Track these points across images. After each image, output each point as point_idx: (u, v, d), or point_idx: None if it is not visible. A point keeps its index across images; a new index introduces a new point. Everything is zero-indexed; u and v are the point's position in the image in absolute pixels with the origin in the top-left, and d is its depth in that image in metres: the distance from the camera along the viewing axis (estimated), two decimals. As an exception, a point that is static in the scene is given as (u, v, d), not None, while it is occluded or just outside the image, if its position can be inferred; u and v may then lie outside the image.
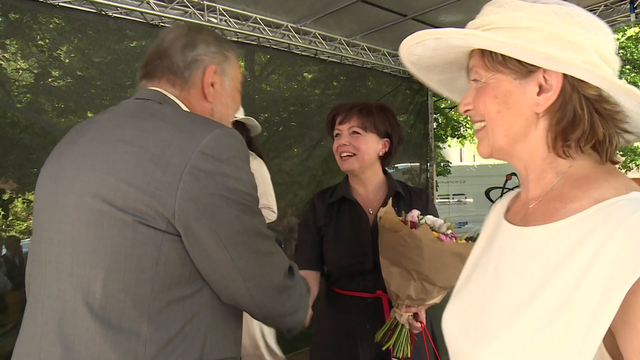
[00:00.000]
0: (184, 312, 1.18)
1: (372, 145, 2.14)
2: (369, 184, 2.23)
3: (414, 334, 1.99)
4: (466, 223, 14.51)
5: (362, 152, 2.12)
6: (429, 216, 1.91)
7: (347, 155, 2.14)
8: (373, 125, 2.12)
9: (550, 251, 0.90)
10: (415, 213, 1.91)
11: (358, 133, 2.12)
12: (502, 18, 0.98)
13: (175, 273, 1.16)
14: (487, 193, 15.36)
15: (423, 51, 1.08)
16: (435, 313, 2.11)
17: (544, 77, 0.94)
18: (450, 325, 1.10)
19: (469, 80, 1.07)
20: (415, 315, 1.96)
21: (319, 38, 6.45)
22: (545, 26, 0.93)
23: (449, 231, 1.88)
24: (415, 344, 2.00)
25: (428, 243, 1.76)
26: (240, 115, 3.81)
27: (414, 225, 1.83)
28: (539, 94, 0.95)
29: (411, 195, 2.23)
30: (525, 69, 0.95)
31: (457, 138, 15.95)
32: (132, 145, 1.18)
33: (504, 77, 0.99)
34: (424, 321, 1.98)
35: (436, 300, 1.91)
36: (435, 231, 1.83)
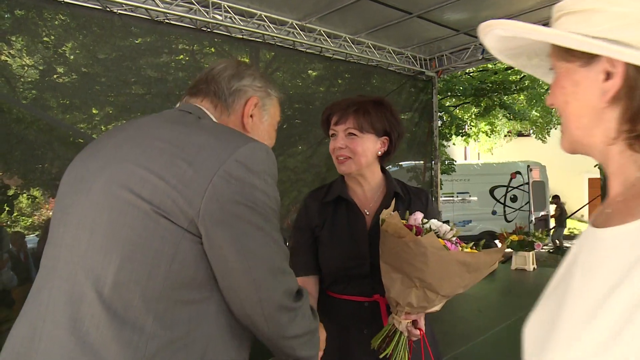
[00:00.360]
0: (190, 316, 1.18)
1: (370, 146, 2.05)
2: (366, 184, 2.14)
3: (412, 341, 1.93)
4: (470, 221, 14.48)
5: (359, 154, 2.03)
6: (433, 221, 1.86)
7: (344, 158, 2.06)
8: (370, 125, 2.03)
9: (622, 255, 0.78)
10: (419, 217, 1.86)
11: (354, 135, 2.03)
12: (570, 2, 0.93)
13: (188, 274, 1.17)
14: (491, 191, 15.40)
15: (499, 41, 1.06)
16: (437, 319, 2.09)
17: (610, 62, 0.85)
18: (527, 336, 1.01)
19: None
20: (415, 322, 1.90)
21: (323, 35, 6.44)
22: (609, 6, 0.85)
23: (454, 238, 1.83)
24: (413, 352, 1.93)
25: (434, 251, 1.70)
26: None
27: (419, 231, 1.77)
28: (606, 80, 0.86)
29: (410, 196, 2.15)
30: (588, 55, 0.88)
31: (462, 136, 15.92)
32: (168, 144, 1.22)
33: (571, 66, 0.93)
34: (423, 328, 1.92)
35: (437, 307, 1.87)
36: (441, 237, 1.78)
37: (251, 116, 1.51)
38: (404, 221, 1.79)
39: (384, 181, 2.16)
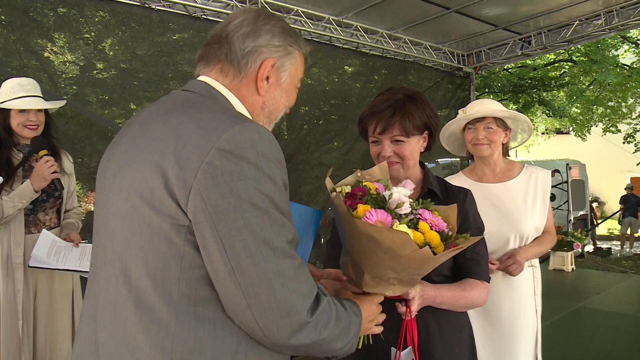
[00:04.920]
0: (215, 314, 1.14)
1: (416, 146, 2.00)
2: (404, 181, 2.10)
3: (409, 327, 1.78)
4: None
5: (407, 158, 1.99)
6: (400, 189, 1.55)
7: (391, 162, 1.99)
8: (415, 127, 1.97)
9: None
10: (400, 189, 1.55)
11: (402, 141, 1.98)
12: None
13: (201, 272, 1.12)
14: (529, 190, 15.14)
15: None
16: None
17: None
18: None
19: None
20: (405, 301, 1.74)
21: (360, 31, 6.40)
22: None
23: (405, 210, 1.49)
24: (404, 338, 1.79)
25: (343, 214, 1.47)
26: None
27: (364, 194, 1.51)
28: None
29: (448, 195, 2.07)
30: None
31: (499, 133, 15.67)
32: (160, 142, 1.16)
33: None
34: (413, 308, 1.74)
35: (396, 292, 1.57)
36: (387, 208, 1.49)
37: (267, 78, 1.38)
38: (346, 187, 1.58)
39: (422, 178, 2.11)
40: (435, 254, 1.40)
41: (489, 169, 2.79)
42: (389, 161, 1.97)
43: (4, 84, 3.03)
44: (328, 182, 1.58)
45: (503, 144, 2.78)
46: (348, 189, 1.56)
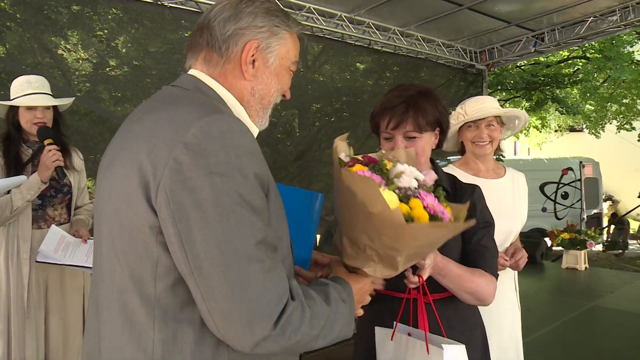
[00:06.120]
0: (194, 315, 1.10)
1: (428, 142, 2.00)
2: None
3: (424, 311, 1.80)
4: (519, 218, 14.14)
5: (419, 155, 1.96)
6: (418, 173, 1.45)
7: None
8: (428, 123, 1.96)
9: None
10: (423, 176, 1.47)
11: (414, 137, 1.97)
12: None
13: (176, 274, 1.08)
14: (541, 188, 15.01)
15: None
16: (482, 316, 2.02)
17: None
18: None
19: None
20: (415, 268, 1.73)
21: (372, 28, 6.38)
22: None
23: (405, 184, 1.39)
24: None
25: (335, 166, 1.42)
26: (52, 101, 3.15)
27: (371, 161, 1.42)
28: None
29: (456, 191, 2.06)
30: None
31: (512, 131, 15.57)
32: (137, 142, 1.12)
33: None
34: (424, 275, 1.72)
35: (377, 272, 1.47)
36: (383, 174, 1.40)
37: (253, 62, 1.31)
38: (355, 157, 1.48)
39: None
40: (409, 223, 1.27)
41: (483, 165, 2.79)
42: None
43: (14, 81, 3.06)
44: (340, 144, 1.49)
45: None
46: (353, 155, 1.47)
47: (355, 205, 1.32)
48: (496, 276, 1.93)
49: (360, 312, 1.49)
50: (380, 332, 1.92)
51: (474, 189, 2.07)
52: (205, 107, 1.16)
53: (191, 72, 1.34)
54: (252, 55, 1.31)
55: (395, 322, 1.87)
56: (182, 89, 1.28)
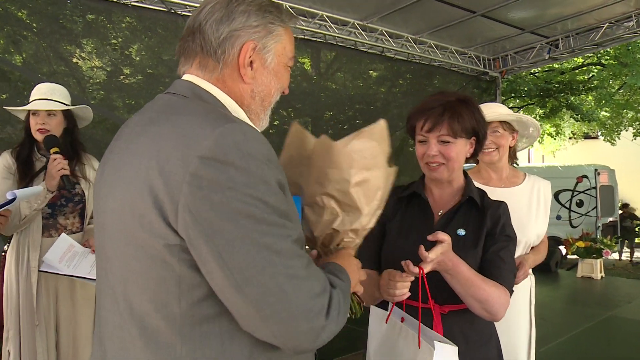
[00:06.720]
0: (221, 330, 1.08)
1: (462, 150, 1.98)
2: (448, 187, 2.08)
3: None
4: (534, 226, 14.01)
5: (452, 160, 1.96)
6: None
7: (437, 165, 1.98)
8: (463, 129, 1.95)
9: None
10: None
11: (448, 142, 1.96)
12: None
13: (202, 291, 1.06)
14: (556, 195, 14.90)
15: None
16: (498, 325, 1.99)
17: None
18: None
19: None
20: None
21: (385, 35, 6.38)
22: None
23: None
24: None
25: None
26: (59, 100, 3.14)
27: None
28: None
29: (484, 206, 2.03)
30: None
31: (526, 138, 15.48)
32: (143, 158, 1.08)
33: None
34: (425, 268, 1.70)
35: (345, 224, 1.49)
36: None
37: (251, 64, 1.26)
38: None
39: (464, 185, 2.08)
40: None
41: (495, 174, 2.76)
42: (432, 160, 1.96)
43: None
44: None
45: (510, 147, 2.75)
46: None
47: (300, 159, 1.43)
48: (510, 291, 1.88)
49: (360, 288, 1.49)
50: (375, 312, 1.92)
51: (500, 205, 2.05)
52: (214, 116, 1.12)
53: (186, 77, 1.29)
54: (250, 57, 1.26)
55: (391, 305, 1.86)
56: (179, 97, 1.23)
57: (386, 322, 1.86)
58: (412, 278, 1.71)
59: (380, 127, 1.45)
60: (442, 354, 1.61)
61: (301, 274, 1.05)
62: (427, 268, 1.70)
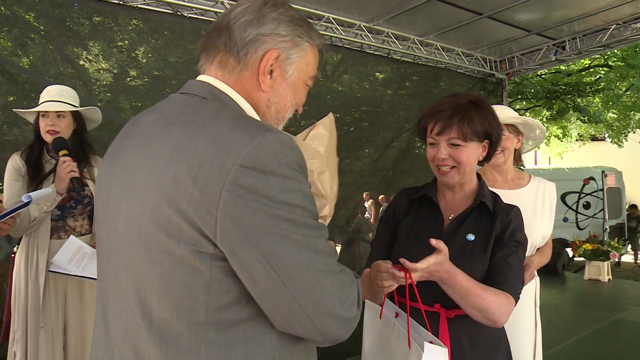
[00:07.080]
0: (246, 335, 1.09)
1: (474, 153, 1.95)
2: (460, 191, 2.05)
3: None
4: (540, 228, 13.95)
5: (463, 164, 1.93)
6: None
7: (448, 168, 1.96)
8: (474, 132, 1.91)
9: None
10: None
11: (458, 145, 1.93)
12: None
13: (230, 297, 1.07)
14: (562, 197, 14.84)
15: None
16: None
17: None
18: None
19: None
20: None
21: (391, 37, 6.37)
22: None
23: None
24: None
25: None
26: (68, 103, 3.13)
27: None
28: None
29: (496, 210, 2.01)
30: None
31: (533, 140, 15.42)
32: (170, 161, 1.06)
33: None
34: (414, 275, 1.68)
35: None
36: None
37: (271, 72, 1.24)
38: None
39: (476, 189, 2.06)
40: None
41: (500, 176, 2.76)
42: (442, 164, 1.94)
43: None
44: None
45: (515, 150, 2.75)
46: None
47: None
48: (516, 298, 1.84)
49: None
50: (370, 307, 1.92)
51: (512, 209, 2.02)
52: (248, 122, 1.12)
53: (203, 77, 1.27)
54: (271, 65, 1.24)
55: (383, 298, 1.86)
56: (198, 98, 1.22)
57: (380, 318, 1.85)
58: (402, 275, 1.69)
59: (329, 119, 1.61)
60: (431, 355, 1.61)
61: (336, 268, 1.13)
62: (415, 277, 1.68)
